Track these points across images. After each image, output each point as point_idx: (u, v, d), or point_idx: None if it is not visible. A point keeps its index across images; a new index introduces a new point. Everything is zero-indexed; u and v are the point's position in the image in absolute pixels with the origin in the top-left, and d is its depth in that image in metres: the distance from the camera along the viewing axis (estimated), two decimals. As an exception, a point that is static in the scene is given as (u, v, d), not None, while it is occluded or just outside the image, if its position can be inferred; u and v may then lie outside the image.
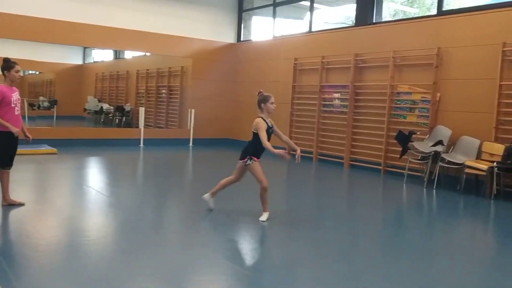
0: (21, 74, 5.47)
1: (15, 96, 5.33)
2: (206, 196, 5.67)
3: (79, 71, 18.50)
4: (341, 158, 10.32)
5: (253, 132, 5.40)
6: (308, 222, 5.59)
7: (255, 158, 5.40)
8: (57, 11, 11.02)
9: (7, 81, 5.33)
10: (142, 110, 12.51)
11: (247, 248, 4.56)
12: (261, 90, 5.65)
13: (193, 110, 12.91)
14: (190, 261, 4.01)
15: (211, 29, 13.41)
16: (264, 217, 5.33)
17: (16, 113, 5.33)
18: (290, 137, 11.70)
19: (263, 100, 5.48)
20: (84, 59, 18.57)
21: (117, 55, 17.65)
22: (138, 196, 6.80)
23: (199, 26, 13.12)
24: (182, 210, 6.15)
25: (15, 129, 5.23)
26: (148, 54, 14.94)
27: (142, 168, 9.83)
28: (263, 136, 5.23)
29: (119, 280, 3.53)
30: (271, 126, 5.44)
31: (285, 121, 11.80)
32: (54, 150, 10.02)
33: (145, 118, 12.81)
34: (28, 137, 5.51)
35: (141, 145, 12.16)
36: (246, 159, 5.40)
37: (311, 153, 11.03)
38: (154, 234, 4.83)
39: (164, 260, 4.02)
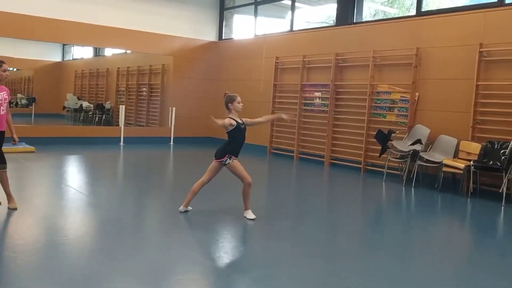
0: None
1: (1, 95, 5.20)
2: (182, 208, 5.58)
3: (58, 68, 18.20)
4: (322, 156, 10.39)
5: (227, 132, 5.49)
6: (288, 220, 5.63)
7: (234, 157, 5.43)
8: (36, 7, 10.84)
9: None
10: (122, 108, 12.40)
11: (228, 247, 4.56)
12: (227, 92, 5.76)
13: (174, 108, 12.85)
14: (169, 261, 4.00)
15: (193, 27, 13.36)
16: (251, 214, 5.37)
17: (1, 112, 5.21)
18: (271, 135, 11.76)
19: (229, 100, 5.54)
20: (63, 56, 18.27)
21: (97, 52, 17.43)
22: (117, 195, 6.75)
23: (180, 24, 13.05)
24: (162, 209, 6.12)
25: None
26: (128, 51, 14.80)
27: (122, 167, 9.75)
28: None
29: (97, 280, 3.51)
30: (242, 123, 5.51)
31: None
32: (32, 148, 9.86)
33: (126, 116, 12.70)
34: (15, 140, 5.38)
35: (121, 143, 12.06)
36: (225, 158, 5.44)
37: (292, 151, 11.08)
38: (134, 233, 4.81)
39: (143, 259, 4.00)
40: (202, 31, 13.56)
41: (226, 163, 5.44)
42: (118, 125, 12.46)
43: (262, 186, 8.33)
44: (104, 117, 15.92)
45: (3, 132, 5.25)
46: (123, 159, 10.48)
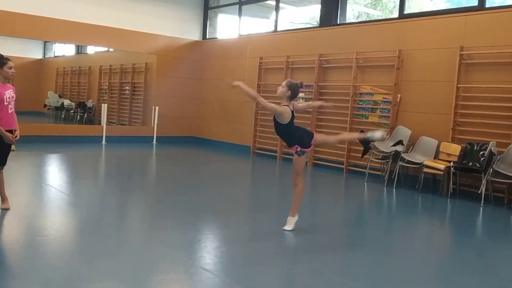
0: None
1: (9, 93, 5.07)
2: (291, 219, 5.08)
3: (39, 65, 17.96)
4: (305, 157, 10.42)
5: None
6: (269, 220, 5.64)
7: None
8: (17, 3, 10.67)
9: (0, 79, 5.07)
10: (104, 107, 12.29)
11: (210, 247, 4.56)
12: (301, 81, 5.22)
13: (157, 107, 12.78)
14: (152, 260, 3.98)
15: (176, 26, 13.29)
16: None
17: (10, 111, 5.08)
18: (255, 135, 11.77)
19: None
20: (44, 53, 18.05)
21: (79, 50, 17.24)
22: (99, 195, 6.68)
23: (164, 23, 12.98)
24: (144, 208, 6.08)
25: (8, 137, 5.00)
26: (111, 49, 14.67)
27: (104, 166, 9.66)
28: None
29: (77, 280, 3.47)
30: (292, 110, 4.98)
31: (250, 119, 11.84)
32: (13, 147, 9.67)
33: (108, 115, 12.59)
34: (15, 137, 5.22)
35: (103, 142, 11.95)
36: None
37: (275, 151, 11.11)
38: (115, 233, 4.77)
39: (124, 259, 3.97)
40: (186, 30, 13.51)
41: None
42: (100, 123, 12.34)
43: (245, 187, 8.35)
44: (86, 116, 15.74)
45: (11, 131, 5.12)
46: (105, 158, 10.39)
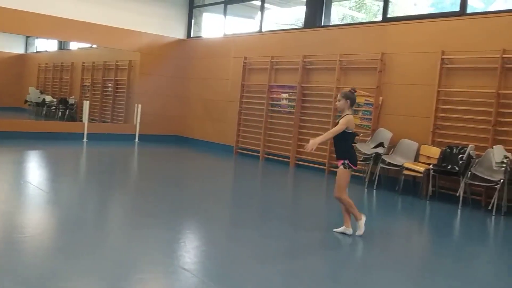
0: None
1: None
2: (350, 230, 5.12)
3: (20, 61, 17.68)
4: (287, 157, 10.46)
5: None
6: (250, 221, 5.65)
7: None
8: (-3, -3, 10.52)
9: None
10: (86, 104, 12.17)
11: (189, 246, 4.55)
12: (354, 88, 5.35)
13: (139, 106, 12.70)
14: (130, 259, 3.96)
15: (161, 24, 13.22)
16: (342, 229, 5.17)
17: None
18: (238, 135, 11.77)
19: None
20: (26, 48, 17.77)
21: (62, 45, 17.02)
22: (79, 193, 6.61)
23: (148, 20, 12.90)
24: (124, 207, 6.04)
25: None
26: (94, 46, 14.52)
27: (85, 163, 9.56)
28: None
29: (54, 279, 3.43)
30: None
31: (233, 119, 11.83)
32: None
33: (90, 112, 12.47)
34: None
35: (85, 139, 11.83)
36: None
37: (258, 152, 11.13)
38: (94, 232, 4.73)
39: (103, 258, 3.94)
40: (171, 28, 13.44)
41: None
42: (81, 120, 12.22)
43: (226, 186, 8.35)
44: (67, 112, 15.56)
45: None
46: (86, 155, 10.29)
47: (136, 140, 12.74)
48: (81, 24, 11.69)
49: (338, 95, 5.20)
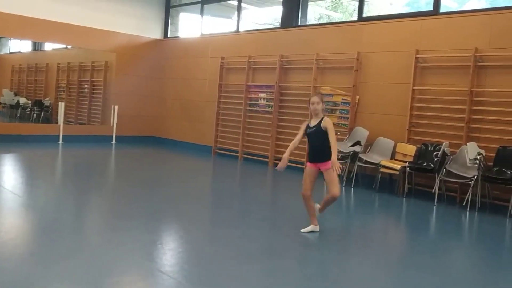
0: None
1: None
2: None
3: (-7, 62, 17.31)
4: (266, 157, 10.48)
5: None
6: (228, 221, 5.64)
7: (308, 164, 5.20)
8: (-33, -3, 10.28)
9: None
10: (61, 105, 11.98)
11: (166, 248, 4.51)
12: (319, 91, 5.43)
13: (116, 106, 12.56)
14: (106, 262, 3.90)
15: (137, 24, 13.10)
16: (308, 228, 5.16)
17: None
18: (216, 136, 11.74)
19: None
20: (-1, 49, 17.40)
21: (36, 46, 16.68)
22: (54, 196, 6.50)
23: (124, 20, 12.76)
24: (101, 210, 5.96)
25: None
26: (69, 47, 14.29)
27: (60, 166, 9.41)
28: (295, 138, 5.15)
29: (27, 284, 3.36)
30: (312, 126, 5.08)
31: (211, 119, 11.80)
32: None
33: (66, 113, 12.30)
34: None
35: (60, 141, 11.65)
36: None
37: (236, 152, 11.11)
38: (70, 235, 4.65)
39: (79, 262, 3.88)
40: (147, 28, 13.33)
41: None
42: (57, 122, 12.02)
43: (206, 186, 8.32)
44: (42, 114, 15.28)
45: None
46: (62, 158, 10.12)
47: (113, 141, 12.60)
48: (56, 25, 11.51)
49: (316, 98, 5.08)
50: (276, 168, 5.21)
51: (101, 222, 5.34)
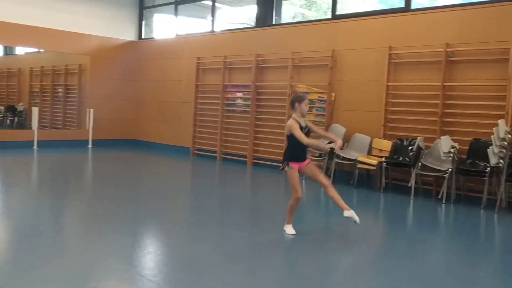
0: None
1: None
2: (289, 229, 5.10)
3: (-38, 67, 16.89)
4: (244, 156, 10.49)
5: (287, 136, 5.04)
6: (208, 222, 5.63)
7: (292, 164, 5.00)
8: None
9: None
10: (35, 110, 11.77)
11: (145, 251, 4.49)
12: (295, 89, 5.32)
13: (92, 110, 12.41)
14: (84, 267, 3.86)
15: (110, 26, 12.95)
16: (291, 230, 5.07)
17: None
18: (194, 137, 11.70)
19: (298, 99, 5.02)
20: (-32, 54, 16.99)
21: (7, 50, 16.36)
22: (30, 203, 6.39)
23: (97, 22, 12.60)
24: (78, 214, 5.88)
25: None
26: (42, 50, 14.05)
27: (36, 172, 9.25)
28: (300, 135, 4.84)
29: (3, 293, 3.31)
30: (305, 126, 5.01)
31: (189, 120, 11.75)
32: None
33: (41, 118, 12.09)
34: None
35: (35, 147, 11.45)
36: (283, 166, 5.04)
37: (215, 152, 11.09)
38: (47, 241, 4.58)
39: (56, 268, 3.83)
40: (121, 30, 13.19)
41: (284, 170, 5.03)
42: (31, 128, 11.81)
43: (185, 187, 8.28)
44: (16, 120, 14.99)
45: None
46: (37, 163, 9.96)
47: (90, 145, 12.44)
48: (27, 28, 11.30)
49: (307, 100, 5.11)
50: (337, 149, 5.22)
51: (79, 227, 5.27)
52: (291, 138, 4.94)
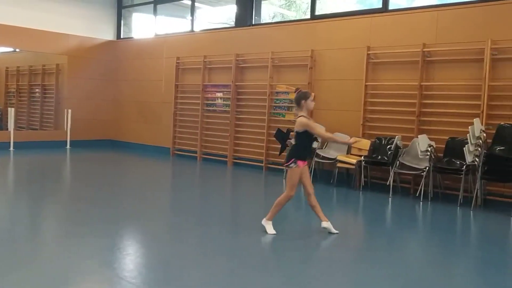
0: None
1: None
2: (265, 222, 5.15)
3: None
4: (225, 156, 10.48)
5: (297, 132, 4.96)
6: (188, 223, 5.61)
7: (300, 163, 4.95)
8: None
9: None
10: (11, 111, 11.57)
11: (125, 253, 4.45)
12: (299, 87, 5.23)
13: (69, 110, 12.25)
14: (62, 271, 3.81)
15: (88, 25, 12.79)
16: (269, 228, 5.07)
17: None
18: (174, 137, 11.64)
19: (303, 97, 4.97)
20: None
21: (-18, 50, 16.05)
22: (6, 205, 6.27)
23: (74, 22, 12.44)
24: (56, 217, 5.80)
25: None
26: (18, 50, 13.81)
27: (12, 173, 9.08)
28: (320, 132, 4.88)
29: (-23, 298, 3.25)
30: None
31: (168, 120, 11.69)
32: None
33: (17, 119, 11.91)
34: None
35: (11, 148, 11.24)
36: (290, 162, 4.96)
37: (195, 152, 11.05)
38: (25, 245, 4.50)
39: (33, 271, 3.77)
40: (99, 29, 13.04)
41: (290, 166, 4.97)
42: (7, 129, 11.59)
43: (165, 187, 8.24)
44: (-9, 121, 14.71)
45: None
46: (14, 165, 9.78)
47: (68, 146, 12.28)
48: (2, 27, 11.10)
49: (312, 97, 5.16)
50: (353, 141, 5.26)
51: (56, 229, 5.20)
52: (302, 135, 4.93)
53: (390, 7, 8.38)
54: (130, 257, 4.31)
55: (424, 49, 7.64)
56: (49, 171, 9.46)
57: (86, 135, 12.72)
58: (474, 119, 6.76)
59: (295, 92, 5.19)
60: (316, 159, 8.37)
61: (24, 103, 14.29)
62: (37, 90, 14.07)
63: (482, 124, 6.85)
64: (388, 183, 7.49)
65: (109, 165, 10.50)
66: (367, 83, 8.28)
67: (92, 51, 12.86)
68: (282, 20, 12.17)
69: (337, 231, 5.09)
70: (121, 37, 13.40)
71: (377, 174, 8.14)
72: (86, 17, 12.72)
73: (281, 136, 8.73)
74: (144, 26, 13.49)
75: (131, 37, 13.32)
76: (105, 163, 10.65)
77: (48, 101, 13.72)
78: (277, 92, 9.71)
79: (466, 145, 6.71)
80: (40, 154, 11.02)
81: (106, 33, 13.23)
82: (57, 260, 4.10)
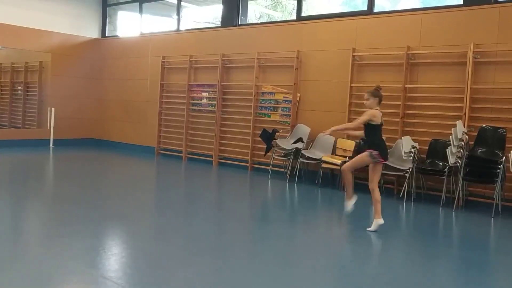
0: None
1: None
2: (376, 222, 5.56)
3: None
4: (210, 156, 10.47)
5: (372, 125, 5.59)
6: (173, 223, 5.60)
7: (381, 159, 5.57)
8: None
9: None
10: (-7, 109, 11.40)
11: (109, 253, 4.43)
12: (379, 85, 5.75)
13: (53, 109, 12.11)
14: (45, 272, 3.78)
15: (72, 23, 12.66)
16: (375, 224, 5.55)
17: None
18: (159, 136, 11.60)
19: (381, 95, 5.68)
20: None
21: (-37, 47, 15.77)
22: (-13, 204, 6.19)
23: (58, 19, 12.30)
24: (38, 217, 5.74)
25: None
26: (0, 47, 13.61)
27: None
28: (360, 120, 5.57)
29: (-41, 299, 3.21)
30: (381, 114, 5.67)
31: (154, 120, 11.63)
32: None
33: (-2, 117, 11.71)
34: None
35: (-7, 147, 11.09)
36: (377, 156, 5.50)
37: (180, 152, 11.02)
38: (7, 246, 4.45)
39: (15, 273, 3.72)
40: (83, 27, 12.92)
41: (375, 158, 5.50)
42: (-11, 127, 11.45)
43: (151, 188, 8.20)
44: (-28, 119, 14.47)
45: None
46: (-5, 164, 9.64)
47: (51, 145, 12.14)
48: (-17, 24, 10.93)
49: (366, 95, 5.69)
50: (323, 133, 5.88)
51: (39, 230, 5.15)
52: (377, 127, 5.52)
53: (375, 9, 8.47)
54: (115, 257, 4.29)
55: (409, 52, 7.73)
56: (31, 170, 9.35)
57: (70, 133, 12.59)
58: (457, 121, 6.87)
59: (376, 89, 5.71)
60: (301, 159, 8.42)
61: (5, 101, 14.08)
62: (19, 88, 13.88)
63: (464, 126, 6.97)
64: (372, 184, 7.54)
65: (93, 164, 10.42)
66: (352, 85, 8.35)
67: (77, 49, 12.74)
68: (268, 20, 12.21)
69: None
70: (106, 35, 13.29)
71: (361, 175, 8.20)
72: (70, 15, 12.59)
73: (267, 136, 8.76)
74: (129, 24, 13.41)
75: (116, 36, 13.23)
76: (89, 163, 10.56)
77: (31, 99, 13.55)
78: (263, 93, 9.74)
79: (448, 147, 6.81)
80: (23, 153, 10.89)
81: (91, 31, 13.11)
82: (40, 261, 4.06)
